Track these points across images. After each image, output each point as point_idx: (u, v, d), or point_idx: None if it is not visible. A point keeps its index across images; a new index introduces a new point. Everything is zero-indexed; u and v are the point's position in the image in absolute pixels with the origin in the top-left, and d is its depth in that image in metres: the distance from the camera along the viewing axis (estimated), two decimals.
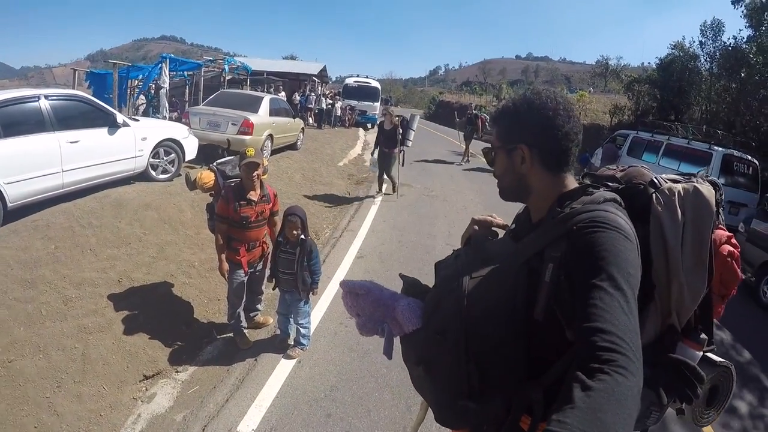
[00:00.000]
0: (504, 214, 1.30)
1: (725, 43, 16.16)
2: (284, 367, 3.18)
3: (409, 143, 8.52)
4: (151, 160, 6.29)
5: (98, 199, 5.09)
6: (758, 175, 8.07)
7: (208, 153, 7.45)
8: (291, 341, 3.42)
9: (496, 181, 1.14)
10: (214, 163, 3.48)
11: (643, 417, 1.05)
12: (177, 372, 3.20)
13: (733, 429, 3.15)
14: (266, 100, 9.43)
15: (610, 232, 0.87)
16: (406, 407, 2.85)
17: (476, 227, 1.25)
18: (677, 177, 1.14)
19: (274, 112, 9.59)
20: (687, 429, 2.95)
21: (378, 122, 10.42)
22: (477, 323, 0.97)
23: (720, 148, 8.16)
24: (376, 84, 22.73)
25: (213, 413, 2.73)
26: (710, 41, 16.92)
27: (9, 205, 4.33)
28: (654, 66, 21.55)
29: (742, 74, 14.34)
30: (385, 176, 8.28)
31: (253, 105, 9.02)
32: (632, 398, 0.70)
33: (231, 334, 3.52)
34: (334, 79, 65.87)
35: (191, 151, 6.97)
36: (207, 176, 3.42)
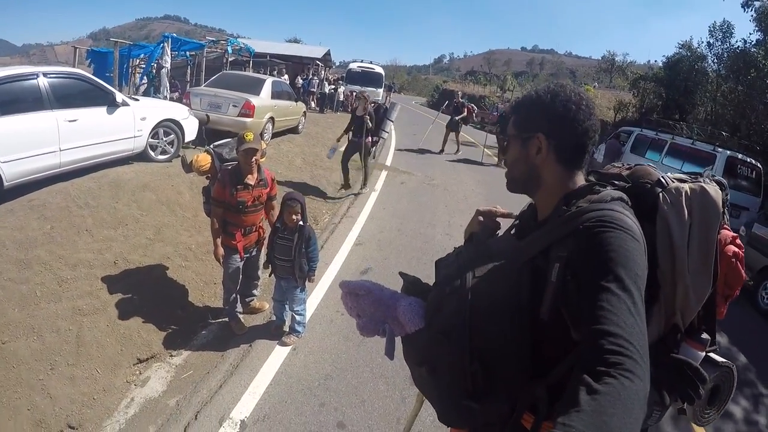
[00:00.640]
0: (506, 207, 1.27)
1: (733, 45, 16.05)
2: (279, 354, 3.18)
3: (385, 135, 7.54)
4: (150, 140, 6.23)
5: (96, 179, 5.03)
6: (761, 179, 8.03)
7: (210, 135, 7.37)
8: (286, 328, 3.41)
9: (506, 170, 1.12)
10: (211, 146, 3.43)
11: (645, 417, 1.04)
12: (171, 356, 3.19)
13: None
14: (268, 82, 9.32)
15: (618, 232, 0.86)
16: (400, 398, 2.85)
17: (481, 218, 1.24)
18: (684, 176, 1.13)
19: (276, 94, 9.47)
20: (678, 429, 2.97)
21: (351, 107, 9.28)
22: (481, 320, 0.96)
23: (724, 150, 8.13)
24: (379, 70, 22.45)
25: (206, 399, 2.73)
26: (719, 43, 16.85)
27: (6, 183, 4.28)
28: (660, 64, 21.49)
29: (750, 77, 14.26)
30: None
31: (255, 87, 8.89)
32: (639, 402, 0.69)
33: (226, 319, 3.51)
34: (337, 63, 65.29)
35: (191, 131, 6.91)
36: (203, 159, 3.36)
